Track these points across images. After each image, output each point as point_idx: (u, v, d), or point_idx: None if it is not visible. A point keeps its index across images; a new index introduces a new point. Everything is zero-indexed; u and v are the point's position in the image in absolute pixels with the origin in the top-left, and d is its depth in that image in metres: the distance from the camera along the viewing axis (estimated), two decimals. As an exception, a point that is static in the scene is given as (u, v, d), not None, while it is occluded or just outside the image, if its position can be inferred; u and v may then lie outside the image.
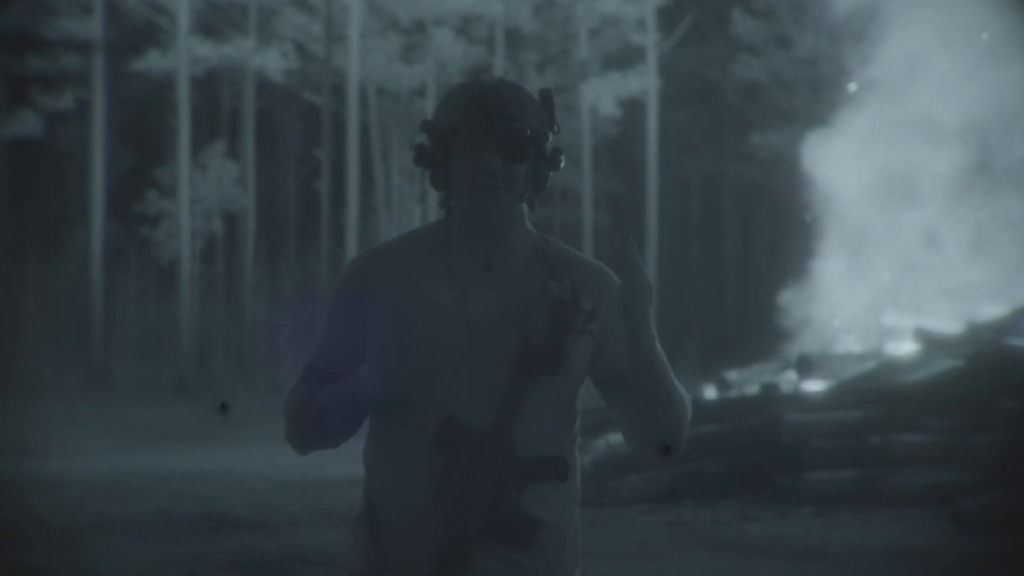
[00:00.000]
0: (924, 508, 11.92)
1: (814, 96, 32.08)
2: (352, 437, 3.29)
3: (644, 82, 35.86)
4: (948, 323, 15.54)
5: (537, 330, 3.18)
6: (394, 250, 3.33)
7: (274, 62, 33.35)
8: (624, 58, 36.80)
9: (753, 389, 15.33)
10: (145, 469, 16.36)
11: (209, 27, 34.09)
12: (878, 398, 13.70)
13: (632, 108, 36.65)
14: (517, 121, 3.22)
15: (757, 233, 42.05)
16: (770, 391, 14.62)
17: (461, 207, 3.27)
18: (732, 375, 16.72)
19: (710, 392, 16.15)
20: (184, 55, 31.89)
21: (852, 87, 18.55)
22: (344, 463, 13.06)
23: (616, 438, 13.59)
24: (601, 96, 35.62)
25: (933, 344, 14.72)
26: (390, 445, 3.25)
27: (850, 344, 16.81)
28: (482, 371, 3.19)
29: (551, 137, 3.29)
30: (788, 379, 15.49)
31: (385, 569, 3.23)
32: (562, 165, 3.31)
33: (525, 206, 3.31)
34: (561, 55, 37.91)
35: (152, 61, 32.19)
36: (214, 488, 14.58)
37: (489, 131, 3.21)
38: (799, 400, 14.21)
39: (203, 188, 33.10)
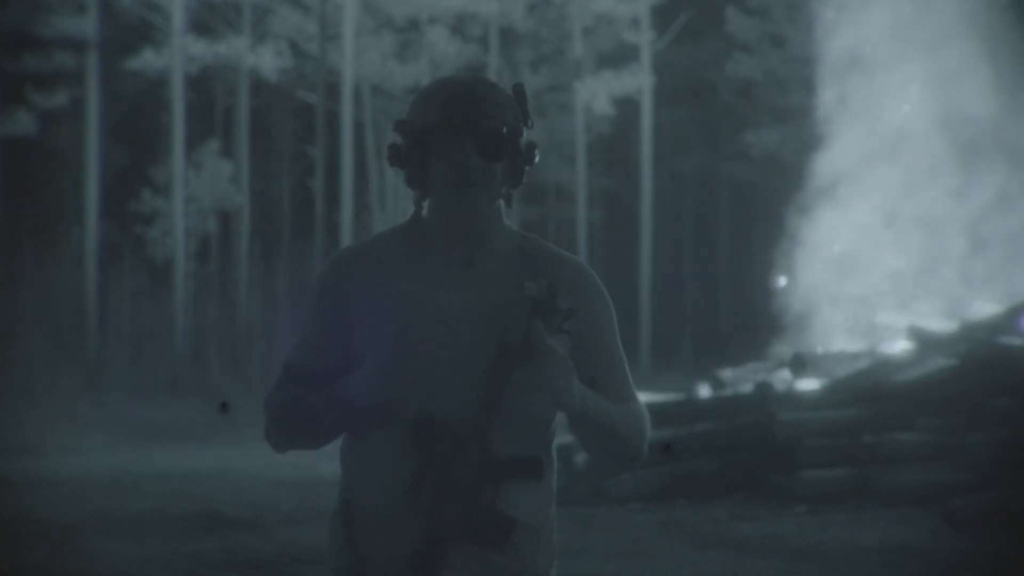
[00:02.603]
0: (917, 506, 11.94)
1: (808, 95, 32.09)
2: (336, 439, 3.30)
3: (638, 80, 35.85)
4: (941, 322, 15.56)
5: (514, 329, 3.17)
6: (372, 248, 3.33)
7: (268, 60, 33.31)
8: (618, 56, 36.81)
9: (747, 388, 15.33)
10: (140, 468, 16.36)
11: (203, 25, 34.06)
12: (872, 397, 13.72)
13: (626, 106, 36.64)
14: (494, 119, 3.21)
15: (751, 231, 42.03)
16: (764, 390, 14.63)
17: (440, 206, 3.27)
18: (726, 374, 16.71)
19: (704, 391, 16.15)
20: (178, 53, 31.86)
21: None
22: (339, 462, 13.04)
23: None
24: (595, 94, 35.61)
25: (926, 343, 14.74)
26: (367, 443, 3.24)
27: (844, 343, 16.83)
28: (459, 370, 3.18)
29: (525, 132, 3.28)
30: (782, 378, 15.49)
31: (360, 567, 3.23)
32: (537, 159, 3.30)
33: (502, 202, 3.30)
34: (555, 54, 37.90)
35: (146, 59, 32.15)
36: (209, 487, 14.59)
37: (467, 130, 3.20)
38: (793, 399, 14.23)
39: (197, 186, 33.06)
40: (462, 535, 3.13)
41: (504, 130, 3.22)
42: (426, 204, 3.31)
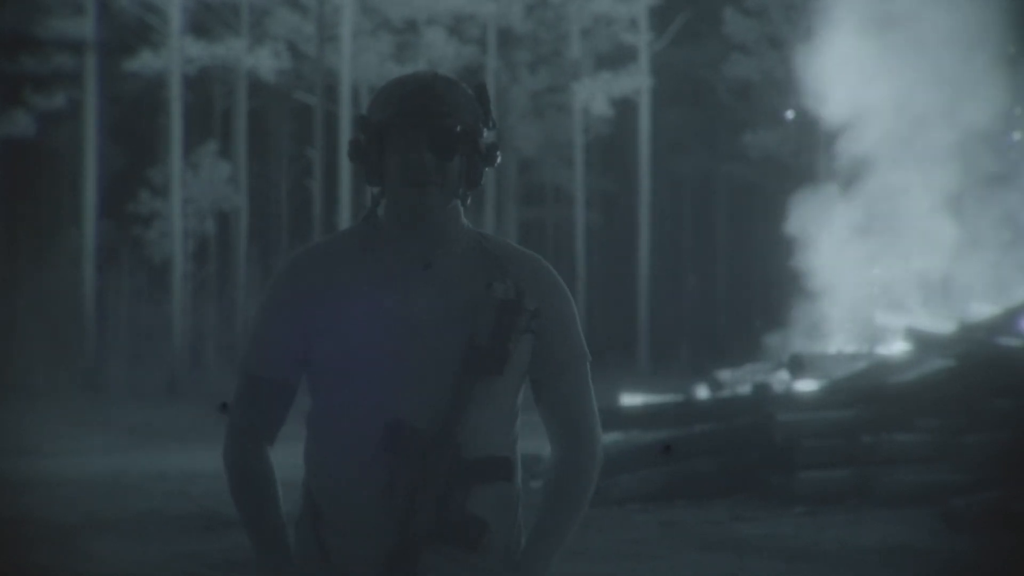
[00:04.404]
0: (916, 507, 11.94)
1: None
2: None
3: (636, 81, 35.86)
4: (940, 323, 15.57)
5: (481, 329, 3.16)
6: (329, 250, 3.30)
7: (266, 62, 33.32)
8: (616, 58, 36.82)
9: (745, 389, 15.35)
10: (138, 469, 16.35)
11: (201, 27, 34.07)
12: (870, 398, 13.73)
13: (624, 108, 36.66)
14: (449, 116, 3.18)
15: (749, 233, 42.06)
16: (762, 391, 14.64)
17: (394, 203, 3.24)
18: (724, 374, 16.72)
19: (703, 391, 16.17)
20: (176, 55, 31.86)
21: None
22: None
23: (608, 438, 13.62)
24: (593, 95, 35.62)
25: (925, 344, 14.75)
26: (335, 447, 3.22)
27: (842, 344, 16.84)
28: (427, 372, 3.17)
29: (486, 132, 3.26)
30: (780, 379, 15.50)
31: (330, 571, 3.22)
32: (498, 161, 3.28)
33: (459, 202, 3.28)
34: (553, 55, 37.90)
35: (144, 61, 32.16)
36: (207, 487, 14.57)
37: (421, 126, 3.17)
38: (791, 400, 14.23)
39: (195, 188, 33.06)
40: (436, 537, 3.14)
41: (459, 128, 3.19)
42: (383, 202, 3.28)
